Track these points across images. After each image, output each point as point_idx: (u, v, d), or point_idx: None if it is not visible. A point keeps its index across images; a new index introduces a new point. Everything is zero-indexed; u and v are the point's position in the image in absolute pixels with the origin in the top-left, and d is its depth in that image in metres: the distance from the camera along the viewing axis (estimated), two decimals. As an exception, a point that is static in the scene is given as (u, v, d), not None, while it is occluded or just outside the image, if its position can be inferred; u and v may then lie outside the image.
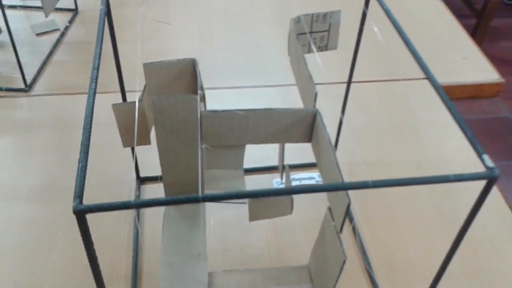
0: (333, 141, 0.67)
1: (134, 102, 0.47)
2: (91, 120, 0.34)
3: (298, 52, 0.48)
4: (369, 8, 0.53)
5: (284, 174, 0.53)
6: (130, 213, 0.62)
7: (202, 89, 0.50)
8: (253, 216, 0.52)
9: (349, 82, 0.60)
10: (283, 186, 0.66)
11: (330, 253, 0.38)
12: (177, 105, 0.41)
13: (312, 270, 0.45)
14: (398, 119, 0.78)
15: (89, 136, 0.33)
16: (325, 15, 0.53)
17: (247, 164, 0.68)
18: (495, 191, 0.67)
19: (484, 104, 1.87)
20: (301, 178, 0.66)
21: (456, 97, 0.87)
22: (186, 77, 0.51)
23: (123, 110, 0.50)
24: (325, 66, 0.77)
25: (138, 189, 0.65)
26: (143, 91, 0.51)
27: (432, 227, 0.62)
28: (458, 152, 0.72)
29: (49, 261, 0.57)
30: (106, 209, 0.29)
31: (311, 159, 0.69)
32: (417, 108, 0.79)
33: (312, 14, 0.52)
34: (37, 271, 0.56)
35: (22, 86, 0.80)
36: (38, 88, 0.82)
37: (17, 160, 0.69)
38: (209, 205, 0.63)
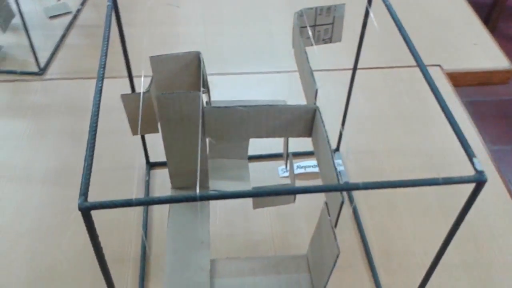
0: (337, 129, 0.69)
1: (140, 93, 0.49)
2: (97, 119, 0.36)
3: (301, 47, 0.49)
4: None
5: (288, 162, 0.55)
6: (140, 194, 0.65)
7: (207, 82, 0.51)
8: (256, 204, 0.54)
9: (354, 69, 0.60)
10: (287, 174, 0.68)
11: (326, 246, 0.40)
12: (180, 101, 0.43)
13: (309, 260, 0.47)
14: (404, 106, 0.78)
15: (95, 134, 0.35)
16: (328, 8, 0.53)
17: (254, 151, 0.70)
18: (498, 181, 0.68)
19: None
20: (306, 165, 0.68)
21: (465, 84, 0.87)
22: (192, 69, 0.52)
23: (131, 100, 0.52)
24: (334, 52, 0.77)
25: (148, 174, 0.67)
26: (150, 83, 0.52)
27: (433, 216, 0.64)
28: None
29: (62, 243, 0.60)
30: (109, 206, 0.31)
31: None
32: (424, 95, 0.80)
33: (316, 8, 0.53)
34: (51, 252, 0.59)
35: (36, 69, 0.82)
36: (51, 71, 0.84)
37: (31, 144, 0.71)
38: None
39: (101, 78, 0.38)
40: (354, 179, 0.67)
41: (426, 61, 0.93)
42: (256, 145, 0.70)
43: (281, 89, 0.82)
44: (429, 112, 0.77)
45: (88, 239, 0.55)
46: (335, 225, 0.39)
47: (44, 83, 0.82)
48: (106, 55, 0.41)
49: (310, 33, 0.52)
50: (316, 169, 0.68)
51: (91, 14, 0.97)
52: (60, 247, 0.59)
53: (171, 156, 0.48)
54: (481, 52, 0.90)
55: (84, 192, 0.31)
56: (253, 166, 0.69)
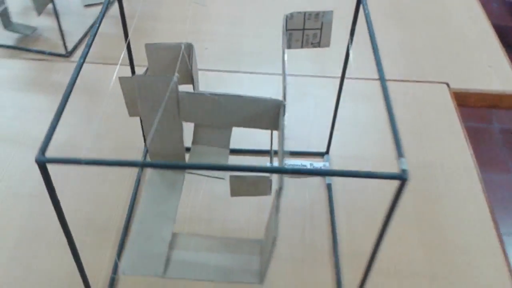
0: (327, 132, 0.71)
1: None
2: (73, 85, 0.40)
3: (283, 48, 0.53)
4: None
5: (275, 159, 0.58)
6: (133, 172, 0.69)
7: (196, 72, 0.55)
8: (233, 192, 0.58)
9: (342, 77, 0.63)
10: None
11: (269, 230, 0.43)
12: (157, 84, 0.47)
13: (262, 244, 0.50)
14: (404, 119, 0.80)
15: (66, 100, 0.39)
16: (317, 14, 0.56)
17: (247, 145, 0.73)
18: (482, 202, 0.68)
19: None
20: (294, 164, 0.71)
21: (472, 105, 0.87)
22: (184, 60, 0.57)
23: (128, 83, 0.57)
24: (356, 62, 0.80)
25: (144, 156, 0.72)
26: (146, 69, 0.57)
27: (409, 226, 0.65)
28: (453, 157, 0.74)
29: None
30: (61, 161, 0.35)
31: (310, 148, 0.73)
32: (425, 110, 0.81)
33: (305, 13, 0.56)
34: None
35: (63, 52, 0.89)
36: (77, 55, 0.90)
37: (48, 117, 0.78)
38: (202, 180, 0.69)
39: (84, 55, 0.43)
40: (337, 182, 0.69)
41: (434, 77, 0.96)
42: (252, 140, 0.74)
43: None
44: (425, 126, 0.78)
45: (99, 207, 0.59)
46: (277, 211, 0.42)
47: (68, 64, 0.88)
48: (94, 36, 0.46)
49: (286, 36, 0.55)
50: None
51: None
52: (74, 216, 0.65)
53: (148, 134, 0.52)
54: (495, 74, 0.90)
55: (43, 148, 0.36)
56: (243, 160, 0.72)
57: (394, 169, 0.72)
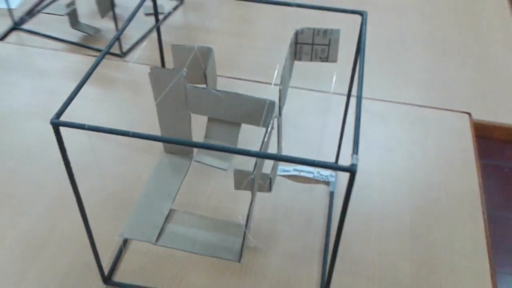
0: (335, 147, 0.76)
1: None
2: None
3: (286, 58, 0.59)
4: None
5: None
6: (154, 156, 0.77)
7: (211, 72, 0.62)
8: (237, 185, 0.64)
9: (349, 93, 0.68)
10: (283, 173, 0.76)
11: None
12: (168, 76, 0.55)
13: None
14: (418, 141, 0.83)
15: (87, 78, 0.48)
16: (325, 31, 0.62)
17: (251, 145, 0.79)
18: (480, 231, 0.70)
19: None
20: (300, 170, 0.76)
21: (494, 137, 0.88)
22: (205, 61, 0.64)
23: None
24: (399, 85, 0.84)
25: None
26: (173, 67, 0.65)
27: (401, 239, 0.68)
28: (460, 182, 0.76)
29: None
30: (70, 125, 0.43)
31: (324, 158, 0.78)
32: (441, 135, 0.83)
33: (314, 29, 0.62)
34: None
35: (119, 52, 1.00)
36: (130, 56, 1.01)
37: (97, 105, 0.88)
38: (215, 173, 0.76)
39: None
40: (340, 191, 0.74)
41: (455, 106, 1.00)
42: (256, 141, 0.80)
43: (311, 105, 0.90)
44: (438, 150, 0.81)
45: (130, 186, 0.66)
46: (252, 203, 0.48)
47: (121, 63, 0.99)
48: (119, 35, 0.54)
49: (293, 49, 0.61)
50: (310, 175, 0.75)
51: (179, 18, 1.14)
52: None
53: (161, 123, 0.60)
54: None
55: (59, 113, 0.44)
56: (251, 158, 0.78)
57: (403, 188, 0.76)
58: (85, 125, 0.43)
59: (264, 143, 0.49)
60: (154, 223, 0.56)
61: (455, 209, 0.72)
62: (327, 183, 0.75)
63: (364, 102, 0.89)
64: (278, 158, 0.49)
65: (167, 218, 0.56)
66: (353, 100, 0.85)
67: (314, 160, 0.41)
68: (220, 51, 1.07)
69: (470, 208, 0.72)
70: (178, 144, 0.42)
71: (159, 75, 0.55)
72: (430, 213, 0.71)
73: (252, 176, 0.47)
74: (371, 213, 0.71)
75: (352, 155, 0.42)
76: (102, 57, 0.52)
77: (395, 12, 1.16)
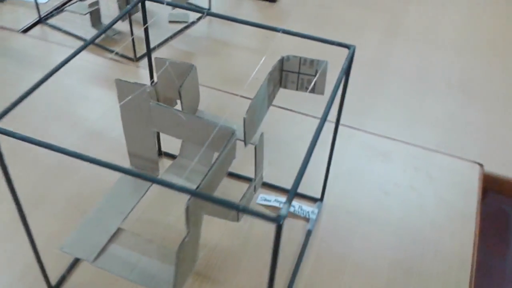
0: (320, 184, 0.71)
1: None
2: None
3: (264, 87, 0.55)
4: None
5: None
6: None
7: (188, 89, 0.60)
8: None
9: (336, 125, 0.63)
10: (265, 202, 0.72)
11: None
12: (133, 90, 0.52)
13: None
14: (419, 187, 0.76)
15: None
16: (312, 61, 0.58)
17: (241, 171, 0.75)
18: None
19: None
20: (281, 201, 0.71)
21: (503, 192, 0.80)
22: (183, 77, 0.61)
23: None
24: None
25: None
26: (156, 80, 0.63)
27: (382, 271, 0.63)
28: (455, 235, 0.69)
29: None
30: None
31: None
32: (446, 183, 0.77)
33: (300, 57, 0.58)
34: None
35: (132, 56, 1.00)
36: (144, 62, 1.00)
37: (103, 105, 0.88)
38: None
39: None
40: (320, 231, 0.69)
41: (467, 154, 0.93)
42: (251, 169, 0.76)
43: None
44: (438, 198, 0.74)
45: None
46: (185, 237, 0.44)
47: (133, 68, 0.98)
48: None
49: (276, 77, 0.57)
50: (276, 204, 0.71)
51: (201, 28, 1.12)
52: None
53: (127, 137, 0.58)
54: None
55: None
56: (231, 183, 0.74)
57: (388, 237, 0.70)
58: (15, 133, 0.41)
59: (211, 172, 0.46)
60: (96, 241, 0.53)
61: (440, 271, 0.65)
62: (307, 219, 0.70)
63: (369, 137, 0.85)
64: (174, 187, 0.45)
65: (113, 238, 0.54)
66: (345, 131, 0.81)
67: (223, 200, 0.37)
68: (236, 65, 1.05)
69: (457, 274, 0.65)
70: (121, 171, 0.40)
71: (123, 88, 0.53)
72: (411, 270, 0.65)
73: (188, 205, 0.44)
74: (347, 259, 0.66)
75: (283, 204, 0.37)
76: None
77: (427, 45, 1.10)
